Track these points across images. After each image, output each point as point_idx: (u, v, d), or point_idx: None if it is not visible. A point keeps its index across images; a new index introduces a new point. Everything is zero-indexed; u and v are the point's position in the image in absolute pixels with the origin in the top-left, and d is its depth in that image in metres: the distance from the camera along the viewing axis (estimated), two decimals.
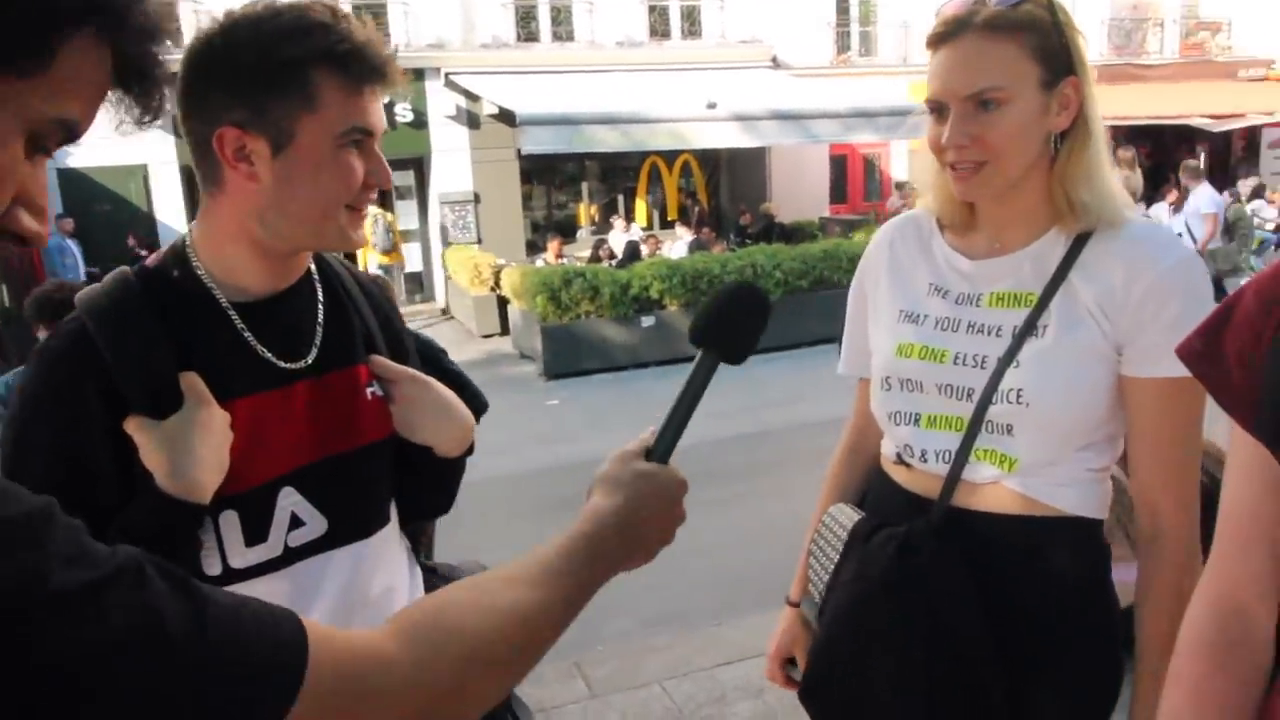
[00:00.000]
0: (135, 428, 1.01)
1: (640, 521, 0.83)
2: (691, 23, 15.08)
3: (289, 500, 1.11)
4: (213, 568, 1.08)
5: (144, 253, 10.69)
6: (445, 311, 13.50)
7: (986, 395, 1.15)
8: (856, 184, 16.63)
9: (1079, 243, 1.16)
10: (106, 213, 12.04)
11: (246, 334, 1.10)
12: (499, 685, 0.71)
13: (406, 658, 0.64)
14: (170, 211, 12.55)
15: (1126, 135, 14.31)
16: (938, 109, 1.16)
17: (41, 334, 3.09)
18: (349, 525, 1.17)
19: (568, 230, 14.55)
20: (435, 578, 2.30)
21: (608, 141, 11.68)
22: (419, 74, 13.28)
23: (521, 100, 11.25)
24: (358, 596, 1.17)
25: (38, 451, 1.02)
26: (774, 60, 15.07)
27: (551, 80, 12.77)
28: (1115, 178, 1.18)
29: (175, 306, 1.08)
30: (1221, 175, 14.85)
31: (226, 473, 1.03)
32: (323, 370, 1.15)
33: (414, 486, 1.26)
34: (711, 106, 11.69)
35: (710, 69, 13.87)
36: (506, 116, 11.51)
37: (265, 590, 1.08)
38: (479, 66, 13.29)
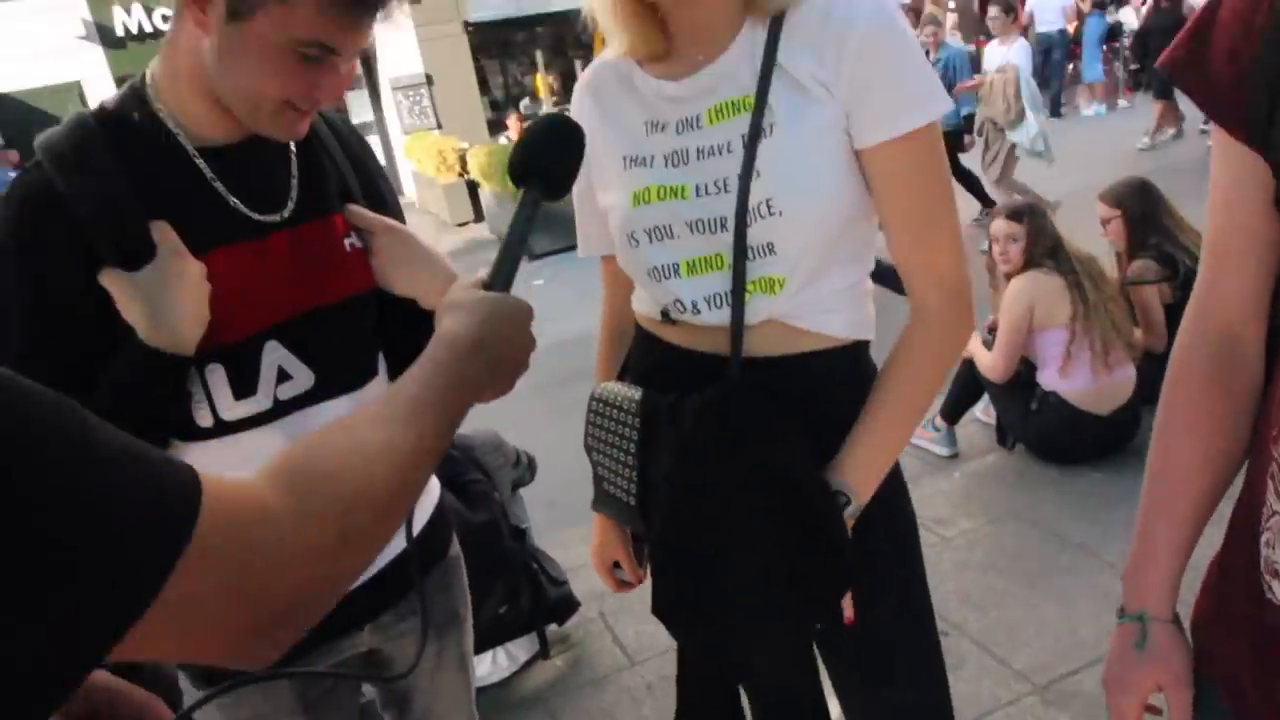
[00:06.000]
0: (109, 280, 0.98)
1: (495, 344, 0.81)
2: None
3: (274, 354, 1.10)
4: (204, 419, 1.08)
5: None
6: (416, 205, 13.22)
7: (740, 217, 1.05)
8: None
9: (776, 24, 1.05)
10: None
11: (216, 184, 1.06)
12: (383, 529, 0.67)
13: (289, 508, 0.60)
14: None
15: None
16: None
17: None
18: (337, 378, 1.16)
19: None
20: (450, 446, 2.33)
21: (558, 0, 11.14)
22: None
23: None
24: None
25: (9, 306, 1.00)
26: None
27: None
28: None
29: (138, 151, 1.03)
30: None
31: (208, 325, 1.02)
32: (298, 221, 1.12)
33: (401, 340, 1.22)
34: None
35: None
36: None
37: (257, 442, 1.10)
38: None
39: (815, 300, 1.09)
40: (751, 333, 1.09)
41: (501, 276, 0.87)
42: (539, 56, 14.61)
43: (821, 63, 1.02)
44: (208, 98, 1.03)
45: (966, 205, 6.37)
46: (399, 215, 1.25)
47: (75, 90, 11.87)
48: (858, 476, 1.09)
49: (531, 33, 14.43)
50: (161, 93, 1.05)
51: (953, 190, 1.10)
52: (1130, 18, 12.14)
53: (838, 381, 1.13)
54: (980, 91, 6.29)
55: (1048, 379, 3.24)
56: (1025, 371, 3.33)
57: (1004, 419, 3.47)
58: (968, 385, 3.46)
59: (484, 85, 14.26)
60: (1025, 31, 12.41)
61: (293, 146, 1.14)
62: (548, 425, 3.84)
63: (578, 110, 1.23)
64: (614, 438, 1.20)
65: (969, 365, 3.44)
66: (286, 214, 1.11)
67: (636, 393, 1.18)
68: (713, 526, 1.09)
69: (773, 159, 1.03)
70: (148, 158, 1.03)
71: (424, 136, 12.33)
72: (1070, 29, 11.78)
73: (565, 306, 7.30)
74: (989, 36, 13.58)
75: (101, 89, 11.93)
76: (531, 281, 8.15)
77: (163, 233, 0.99)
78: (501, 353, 0.82)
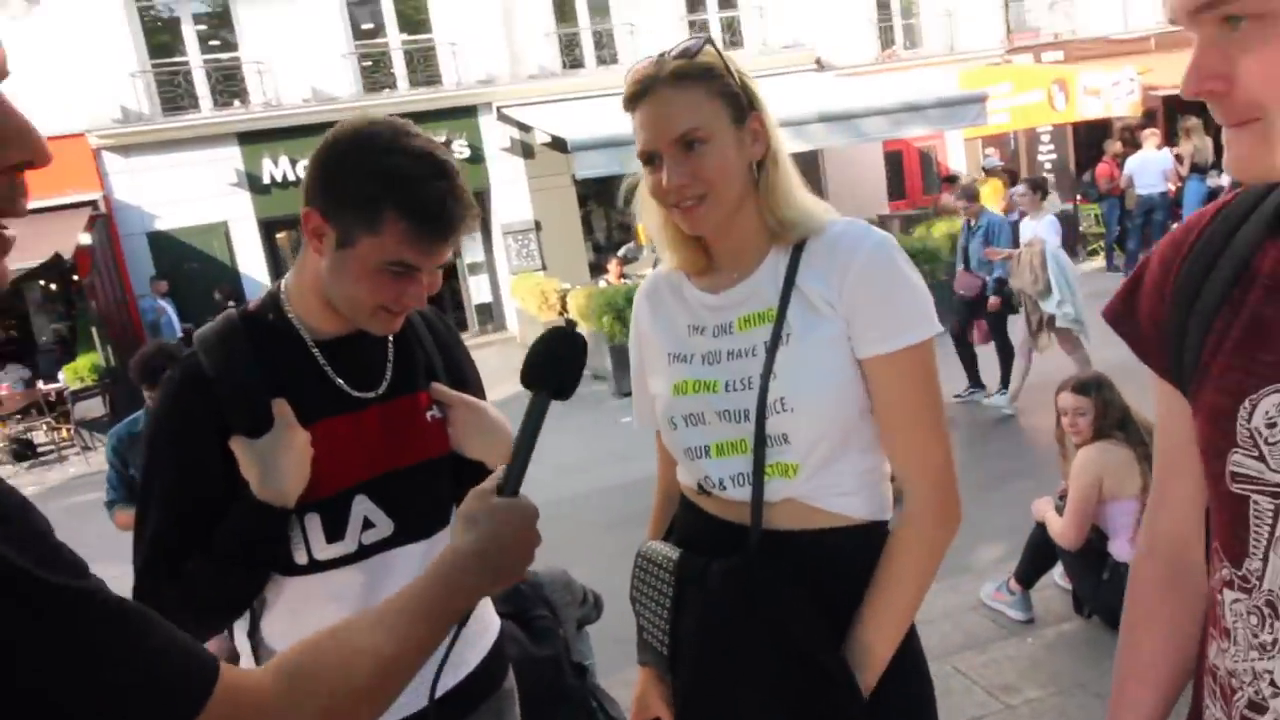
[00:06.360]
0: (236, 445, 1.24)
1: (498, 550, 0.93)
2: (733, 33, 15.21)
3: (362, 506, 1.33)
4: (300, 558, 1.30)
5: (230, 304, 11.25)
6: (517, 339, 13.83)
7: (760, 411, 1.23)
8: (914, 178, 16.49)
9: (797, 252, 1.27)
10: (194, 270, 12.71)
11: (327, 368, 1.33)
12: (366, 714, 0.82)
13: (281, 700, 0.76)
14: (252, 263, 13.19)
15: (1191, 106, 13.88)
16: (650, 159, 1.26)
17: (146, 395, 3.36)
18: (413, 527, 1.37)
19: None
20: (519, 583, 2.48)
21: None
22: (471, 111, 13.73)
23: (572, 127, 11.51)
24: None
25: (167, 461, 1.28)
26: (818, 62, 15.09)
27: (599, 104, 12.97)
28: (807, 193, 1.30)
29: (269, 343, 1.31)
30: None
31: (308, 482, 1.25)
32: (390, 397, 1.36)
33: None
34: None
35: (755, 76, 13.87)
36: (559, 144, 11.78)
37: (343, 580, 1.32)
38: (528, 98, 13.65)
39: (830, 484, 1.26)
40: (772, 509, 1.26)
41: (513, 480, 0.97)
42: None
43: (829, 286, 1.23)
44: (324, 302, 1.31)
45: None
46: (479, 390, 1.49)
47: (222, 229, 13.11)
48: (864, 663, 1.22)
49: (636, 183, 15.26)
50: (291, 299, 1.35)
51: (939, 397, 1.27)
52: (1228, 181, 12.10)
53: (852, 559, 1.27)
54: (1011, 264, 6.49)
55: (1119, 549, 3.22)
56: (1098, 540, 3.31)
57: (1077, 587, 3.43)
58: (1040, 549, 3.45)
59: (588, 228, 15.08)
60: (1124, 194, 12.55)
61: (390, 337, 1.40)
62: (618, 563, 3.94)
63: (637, 310, 1.48)
64: (653, 592, 1.36)
65: (1041, 529, 3.43)
66: (380, 391, 1.36)
67: (675, 553, 1.35)
68: (731, 685, 1.25)
69: (788, 364, 1.23)
70: (276, 348, 1.31)
71: (529, 277, 13.05)
72: (1171, 191, 11.82)
73: (646, 446, 7.47)
74: (1085, 196, 13.73)
75: (245, 228, 13.16)
76: (620, 418, 8.38)
77: (280, 408, 1.25)
78: (503, 560, 0.94)
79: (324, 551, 1.31)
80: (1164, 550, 1.03)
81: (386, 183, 1.19)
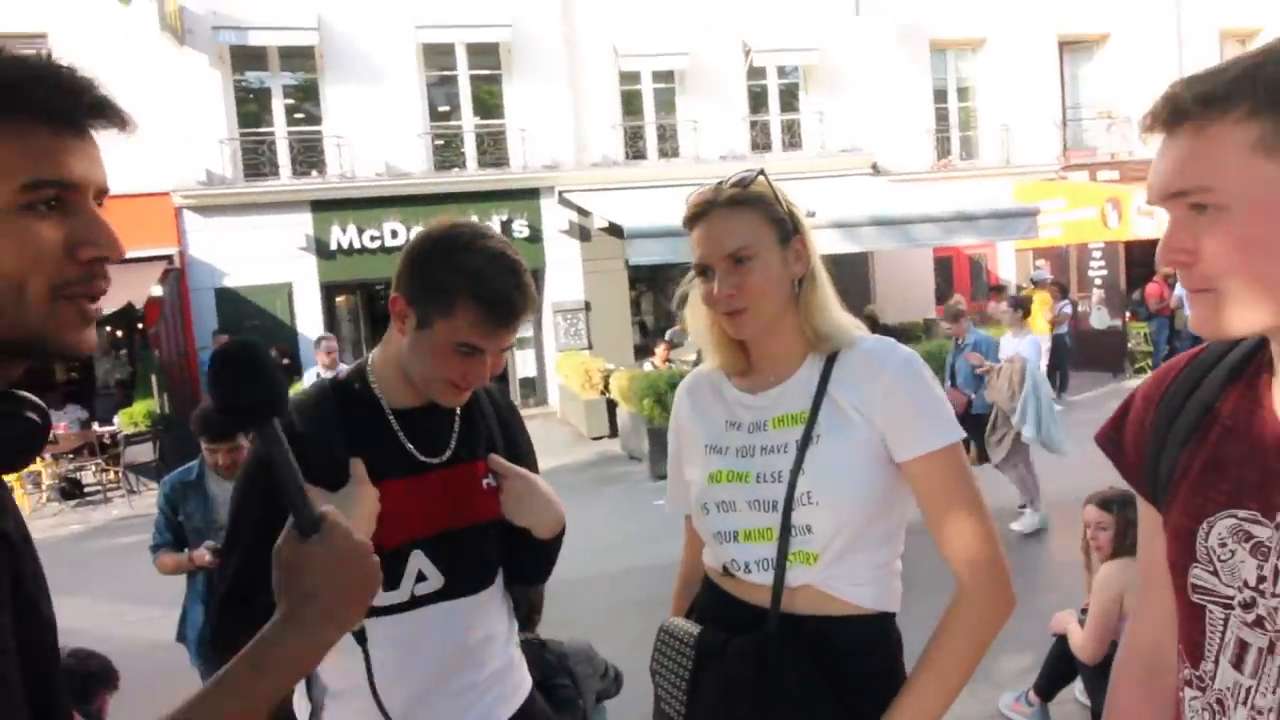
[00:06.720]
0: (313, 495, 1.37)
1: (311, 603, 0.90)
2: (792, 135, 15.68)
3: (416, 560, 1.48)
4: None
5: (286, 362, 11.57)
6: (557, 415, 14.02)
7: (787, 502, 1.36)
8: (963, 284, 16.60)
9: (830, 362, 1.42)
10: (254, 327, 13.11)
11: (400, 434, 1.50)
12: None
13: None
14: (310, 325, 13.62)
15: None
16: (704, 271, 1.43)
17: (204, 446, 3.56)
18: (462, 583, 1.52)
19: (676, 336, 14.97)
20: (545, 651, 2.61)
21: None
22: (534, 193, 14.27)
23: (629, 214, 11.86)
24: (463, 638, 1.52)
25: (251, 510, 1.44)
26: (874, 167, 15.44)
27: (658, 194, 13.31)
28: (842, 309, 1.46)
29: (353, 409, 1.50)
30: None
31: (373, 534, 1.39)
32: (452, 464, 1.52)
33: (517, 558, 1.60)
34: (811, 215, 11.71)
35: (811, 178, 14.26)
36: (615, 230, 12.13)
37: (393, 629, 1.45)
38: (590, 184, 14.14)
39: (846, 574, 1.37)
40: (791, 594, 1.38)
41: (300, 517, 0.95)
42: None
43: (860, 395, 1.38)
44: (402, 376, 1.50)
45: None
46: (532, 464, 1.65)
47: (286, 291, 13.63)
48: None
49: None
50: (375, 371, 1.54)
51: (978, 491, 1.38)
52: None
53: (861, 646, 1.38)
54: (989, 377, 6.61)
55: None
56: None
57: (1095, 703, 3.40)
58: (1060, 662, 3.45)
59: (636, 311, 15.37)
60: (1174, 314, 12.47)
61: (457, 410, 1.57)
62: (639, 643, 3.97)
63: (678, 403, 1.63)
64: (673, 664, 1.48)
65: (1062, 642, 3.44)
66: (445, 458, 1.53)
67: (695, 629, 1.47)
68: None
69: (816, 461, 1.37)
70: (359, 413, 1.50)
71: (574, 355, 13.32)
72: None
73: (678, 529, 7.49)
74: (1135, 314, 13.66)
75: (307, 290, 13.67)
76: (653, 501, 8.45)
77: (356, 466, 1.42)
78: (324, 603, 0.91)
79: (379, 599, 1.44)
80: (1143, 653, 1.15)
81: (462, 275, 1.39)
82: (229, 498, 3.66)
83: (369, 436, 1.48)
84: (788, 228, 1.44)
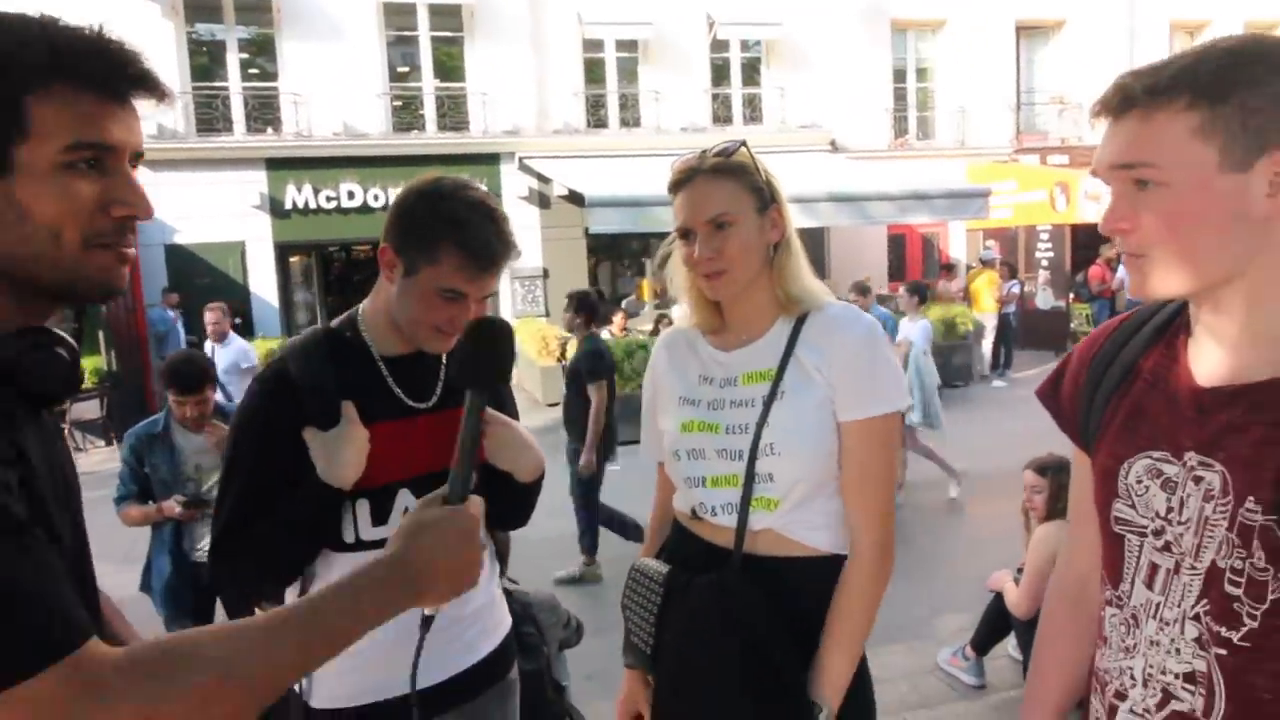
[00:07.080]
0: (308, 435, 1.48)
1: (423, 563, 0.96)
2: (753, 109, 15.76)
3: (404, 498, 1.57)
4: (349, 537, 1.54)
5: (237, 321, 11.39)
6: (513, 381, 14.00)
7: (752, 452, 1.46)
8: (915, 261, 16.92)
9: (799, 324, 1.53)
10: (205, 285, 12.86)
11: (389, 380, 1.59)
12: (227, 712, 0.82)
13: (117, 682, 0.77)
14: (263, 285, 13.47)
15: None
16: (685, 234, 1.53)
17: (171, 397, 3.57)
18: None
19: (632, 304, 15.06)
20: (511, 599, 2.74)
21: (671, 221, 12.13)
22: (494, 158, 14.17)
23: (590, 183, 11.85)
24: None
25: (249, 446, 1.52)
26: (833, 144, 15.60)
27: (619, 164, 13.37)
28: (813, 275, 1.56)
29: (345, 356, 1.58)
30: None
31: (363, 473, 1.49)
32: (438, 409, 1.61)
33: (498, 502, 1.68)
34: None
35: (771, 152, 14.19)
36: (575, 198, 12.13)
37: None
38: (551, 151, 14.09)
39: (803, 519, 1.49)
40: (753, 536, 1.50)
41: (457, 487, 1.04)
42: (648, 265, 15.75)
43: (822, 357, 1.50)
44: (391, 324, 1.58)
45: None
46: (513, 412, 1.74)
47: (239, 249, 13.40)
48: (828, 691, 1.45)
49: (645, 243, 15.68)
50: (366, 319, 1.62)
51: (894, 462, 1.52)
52: None
53: (815, 585, 1.50)
54: None
55: None
56: None
57: (1026, 656, 3.62)
58: (995, 619, 3.65)
59: (594, 280, 15.40)
60: (1115, 296, 12.89)
61: (442, 358, 1.66)
62: (591, 601, 4.11)
63: (655, 357, 1.73)
64: (643, 600, 1.60)
65: (998, 600, 3.64)
66: (431, 403, 1.62)
67: (665, 568, 1.59)
68: (703, 684, 1.47)
69: (779, 416, 1.48)
70: (350, 360, 1.58)
71: (531, 322, 13.33)
72: None
73: (633, 491, 7.63)
74: (1078, 295, 14.05)
75: (261, 249, 13.45)
76: (609, 466, 8.56)
77: (347, 408, 1.50)
78: (433, 570, 0.97)
79: (369, 533, 1.55)
80: (1072, 581, 1.29)
81: (445, 223, 1.47)
82: (195, 449, 3.68)
83: (360, 382, 1.55)
84: (765, 197, 1.53)
